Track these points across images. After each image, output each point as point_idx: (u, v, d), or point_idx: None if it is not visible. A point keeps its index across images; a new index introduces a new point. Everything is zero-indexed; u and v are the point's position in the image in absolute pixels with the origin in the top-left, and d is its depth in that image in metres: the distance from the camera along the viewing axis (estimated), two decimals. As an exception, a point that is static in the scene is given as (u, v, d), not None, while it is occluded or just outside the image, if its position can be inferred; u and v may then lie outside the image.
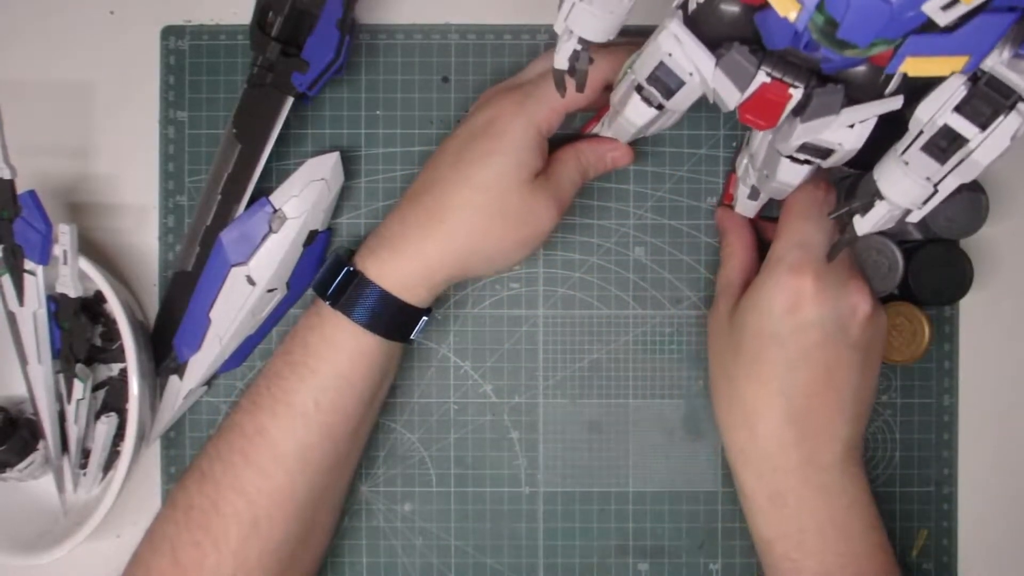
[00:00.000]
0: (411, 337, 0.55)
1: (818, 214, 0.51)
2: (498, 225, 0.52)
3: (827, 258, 0.49)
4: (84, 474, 0.57)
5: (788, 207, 0.53)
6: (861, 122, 0.41)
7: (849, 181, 0.55)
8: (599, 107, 0.55)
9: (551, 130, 0.53)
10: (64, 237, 0.53)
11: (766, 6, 0.36)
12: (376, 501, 0.60)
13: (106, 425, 0.56)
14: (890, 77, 0.39)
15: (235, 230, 0.56)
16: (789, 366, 0.50)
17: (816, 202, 0.52)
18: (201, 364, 0.58)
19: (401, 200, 0.55)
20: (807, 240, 0.51)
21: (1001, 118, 0.38)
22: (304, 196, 0.56)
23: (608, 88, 0.53)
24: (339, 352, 0.52)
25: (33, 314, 0.54)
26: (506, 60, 0.60)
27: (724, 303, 0.55)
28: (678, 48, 0.42)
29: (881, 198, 0.41)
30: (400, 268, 0.52)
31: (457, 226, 0.52)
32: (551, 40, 0.60)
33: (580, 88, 0.45)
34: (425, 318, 0.54)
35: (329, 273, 0.53)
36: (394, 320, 0.53)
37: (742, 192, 0.56)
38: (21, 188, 0.53)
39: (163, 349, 0.59)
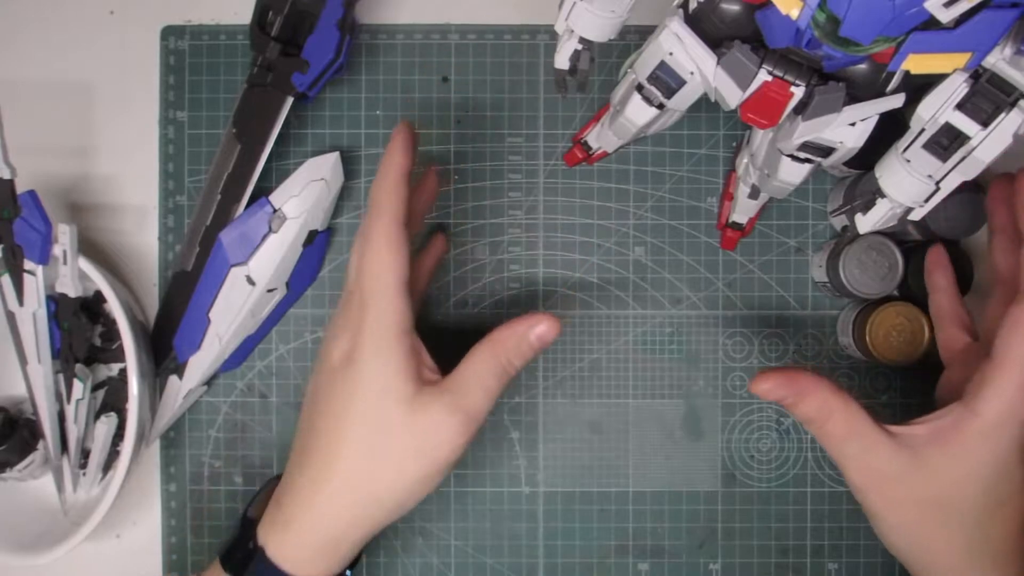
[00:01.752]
0: None
1: None
2: (388, 461, 0.44)
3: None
4: (84, 474, 0.57)
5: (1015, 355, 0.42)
6: (863, 120, 0.41)
7: (850, 180, 0.55)
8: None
9: (405, 320, 0.45)
10: (64, 237, 0.53)
11: (767, 4, 0.36)
12: (376, 501, 0.60)
13: (106, 425, 0.56)
14: (892, 75, 0.39)
15: (235, 230, 0.56)
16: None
17: None
18: (201, 364, 0.58)
19: (292, 449, 0.49)
20: None
21: (1003, 115, 0.38)
22: (304, 196, 0.56)
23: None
24: None
25: (33, 314, 0.54)
26: (506, 60, 0.60)
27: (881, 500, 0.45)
28: (679, 47, 0.42)
29: (883, 196, 0.41)
30: (300, 543, 0.46)
31: (345, 480, 0.45)
32: (552, 40, 0.60)
33: (582, 88, 0.46)
34: None
35: (233, 542, 0.48)
36: None
37: (742, 191, 0.56)
38: (21, 188, 0.53)
39: (163, 349, 0.59)
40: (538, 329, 0.46)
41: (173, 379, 0.58)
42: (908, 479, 0.43)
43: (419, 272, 0.56)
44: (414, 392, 0.44)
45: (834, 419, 0.44)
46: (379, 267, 0.45)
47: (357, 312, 0.46)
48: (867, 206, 0.43)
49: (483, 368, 0.45)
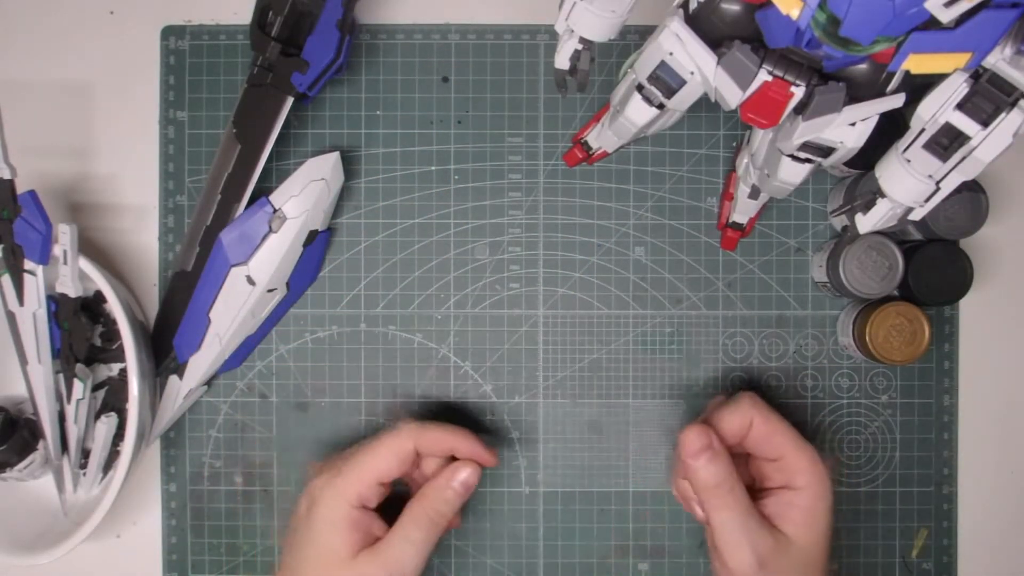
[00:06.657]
0: None
1: None
2: None
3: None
4: (84, 474, 0.57)
5: None
6: (863, 120, 0.41)
7: (850, 180, 0.55)
8: (406, 474, 0.54)
9: (365, 500, 0.52)
10: (64, 237, 0.53)
11: (767, 4, 0.36)
12: (376, 501, 0.60)
13: (106, 425, 0.55)
14: (892, 75, 0.39)
15: (235, 230, 0.56)
16: None
17: None
18: (201, 364, 0.58)
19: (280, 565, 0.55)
20: None
21: (1003, 115, 0.38)
22: (304, 196, 0.56)
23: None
24: None
25: (33, 314, 0.54)
26: (506, 60, 0.60)
27: None
28: (679, 47, 0.42)
29: (883, 196, 0.41)
30: None
31: None
32: (552, 40, 0.60)
33: (582, 88, 0.46)
34: None
35: None
36: None
37: (742, 191, 0.56)
38: (21, 188, 0.53)
39: (163, 349, 0.59)
40: (463, 474, 0.53)
41: (173, 379, 0.58)
42: None
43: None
44: (354, 555, 0.51)
45: None
46: (368, 462, 0.52)
47: (330, 475, 0.52)
48: (867, 206, 0.43)
49: (410, 525, 0.52)
